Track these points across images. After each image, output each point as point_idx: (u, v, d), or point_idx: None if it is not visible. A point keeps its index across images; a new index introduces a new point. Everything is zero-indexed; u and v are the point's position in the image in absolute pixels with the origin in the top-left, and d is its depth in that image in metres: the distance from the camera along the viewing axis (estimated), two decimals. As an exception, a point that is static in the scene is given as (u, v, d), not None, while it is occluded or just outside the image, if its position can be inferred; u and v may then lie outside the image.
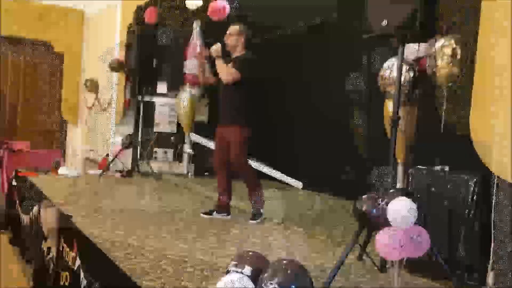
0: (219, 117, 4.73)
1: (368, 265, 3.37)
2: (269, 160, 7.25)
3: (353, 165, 6.01)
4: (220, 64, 4.54)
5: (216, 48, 4.56)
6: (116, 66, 7.73)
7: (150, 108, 7.91)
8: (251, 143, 4.58)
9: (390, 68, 3.90)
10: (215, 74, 4.73)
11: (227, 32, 4.67)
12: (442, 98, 3.45)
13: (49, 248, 4.54)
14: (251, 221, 4.54)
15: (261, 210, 4.61)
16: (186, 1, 6.11)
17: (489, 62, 2.80)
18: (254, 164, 7.05)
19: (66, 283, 4.00)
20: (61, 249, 4.26)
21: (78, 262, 3.67)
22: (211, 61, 4.73)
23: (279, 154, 7.33)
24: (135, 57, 7.23)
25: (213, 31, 6.76)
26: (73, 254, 3.88)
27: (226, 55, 4.65)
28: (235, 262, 2.12)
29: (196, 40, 7.35)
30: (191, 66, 7.24)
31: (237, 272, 2.07)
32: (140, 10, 7.22)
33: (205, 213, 4.73)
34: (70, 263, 3.92)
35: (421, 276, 3.22)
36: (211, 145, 7.63)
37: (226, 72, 4.48)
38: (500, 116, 2.69)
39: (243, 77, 4.48)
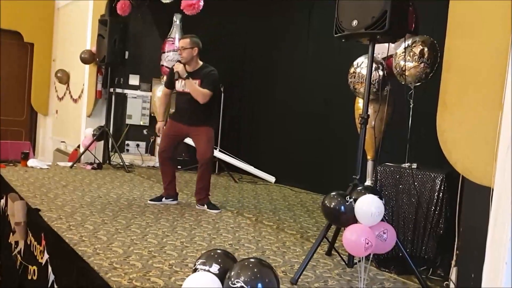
0: (180, 115, 4.84)
1: (336, 260, 3.42)
2: (244, 155, 7.28)
3: (323, 161, 6.06)
4: (192, 85, 4.65)
5: (182, 68, 4.69)
6: (87, 57, 7.64)
7: (122, 100, 7.85)
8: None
9: (359, 66, 3.94)
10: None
11: (179, 45, 4.78)
12: (410, 96, 3.51)
13: (16, 242, 4.49)
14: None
15: (204, 206, 4.81)
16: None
17: (456, 62, 2.85)
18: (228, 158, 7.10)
19: (34, 277, 3.96)
20: (28, 243, 4.21)
21: (46, 256, 3.64)
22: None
23: (253, 150, 7.36)
24: (107, 48, 7.13)
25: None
26: (41, 248, 3.84)
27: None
28: (203, 260, 2.13)
29: (175, 34, 7.33)
30: (169, 58, 7.20)
31: (204, 270, 2.07)
32: (112, 1, 7.12)
33: (153, 200, 4.98)
34: (38, 257, 3.88)
35: (387, 271, 3.28)
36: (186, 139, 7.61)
37: (202, 95, 4.62)
38: (465, 117, 2.75)
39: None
